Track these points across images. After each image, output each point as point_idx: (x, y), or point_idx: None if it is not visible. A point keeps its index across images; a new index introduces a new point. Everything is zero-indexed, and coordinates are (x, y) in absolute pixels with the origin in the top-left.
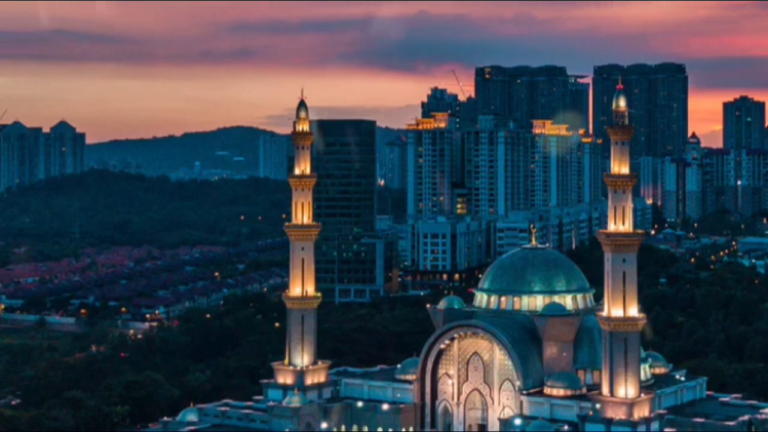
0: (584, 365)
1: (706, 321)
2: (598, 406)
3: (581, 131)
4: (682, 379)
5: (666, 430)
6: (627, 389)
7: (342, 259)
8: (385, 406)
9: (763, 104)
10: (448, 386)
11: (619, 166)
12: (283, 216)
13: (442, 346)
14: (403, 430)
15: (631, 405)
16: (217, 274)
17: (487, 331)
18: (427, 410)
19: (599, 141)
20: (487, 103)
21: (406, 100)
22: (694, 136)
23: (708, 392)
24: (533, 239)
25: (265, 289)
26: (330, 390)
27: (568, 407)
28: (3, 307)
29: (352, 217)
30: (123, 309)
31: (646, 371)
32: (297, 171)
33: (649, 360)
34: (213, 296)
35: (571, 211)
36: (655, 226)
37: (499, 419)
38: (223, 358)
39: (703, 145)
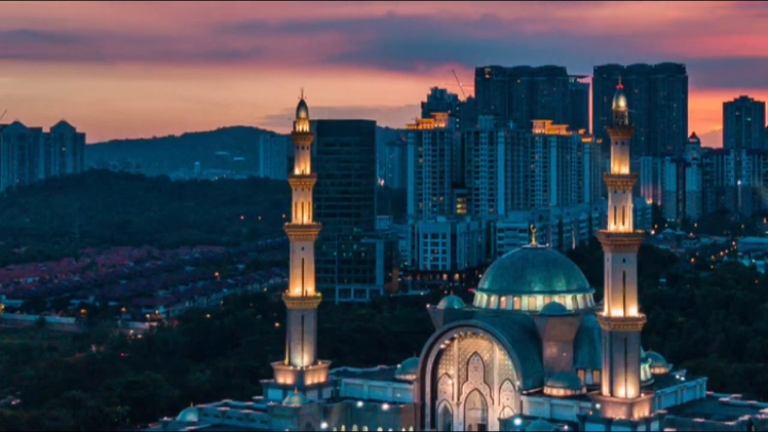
0: (584, 365)
1: (706, 321)
2: (598, 406)
3: (581, 131)
4: (682, 379)
5: (666, 430)
6: (627, 389)
7: (342, 259)
8: (385, 406)
9: (763, 104)
10: (448, 386)
11: (619, 166)
12: (283, 216)
13: (442, 346)
14: (403, 430)
15: (631, 405)
16: (217, 274)
17: (487, 331)
18: (427, 410)
19: (599, 141)
20: (487, 103)
21: (406, 100)
22: (694, 136)
23: (708, 392)
24: (533, 239)
25: (265, 289)
26: (330, 390)
27: (568, 407)
28: (3, 307)
29: (352, 217)
30: (123, 309)
31: (646, 371)
32: (297, 171)
33: (649, 360)
34: (213, 296)
35: (571, 211)
36: (655, 226)
37: (499, 419)
38: (223, 358)
39: (703, 145)
